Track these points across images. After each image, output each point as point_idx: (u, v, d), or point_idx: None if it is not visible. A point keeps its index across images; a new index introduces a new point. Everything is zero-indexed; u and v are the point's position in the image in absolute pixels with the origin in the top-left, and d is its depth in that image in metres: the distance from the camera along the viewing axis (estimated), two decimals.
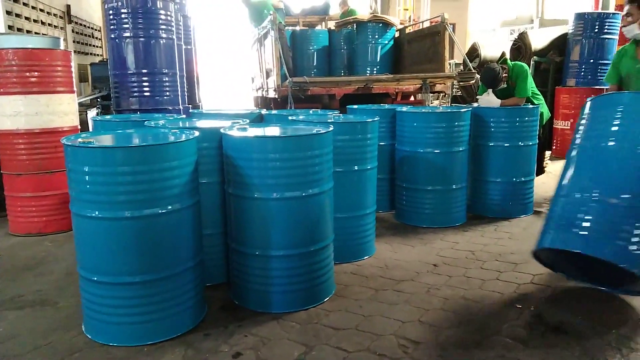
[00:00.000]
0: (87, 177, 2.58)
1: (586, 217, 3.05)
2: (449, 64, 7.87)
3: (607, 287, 3.31)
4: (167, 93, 5.68)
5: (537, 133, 5.25)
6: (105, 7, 5.55)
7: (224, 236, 3.39)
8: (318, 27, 10.47)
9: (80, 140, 2.79)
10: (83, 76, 8.91)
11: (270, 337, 2.81)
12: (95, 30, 10.60)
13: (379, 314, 3.06)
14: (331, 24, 9.80)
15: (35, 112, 4.63)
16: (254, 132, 3.26)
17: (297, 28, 9.58)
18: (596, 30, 8.26)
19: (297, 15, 10.37)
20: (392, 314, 3.06)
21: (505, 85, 5.35)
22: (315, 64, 8.56)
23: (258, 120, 4.45)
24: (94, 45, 10.37)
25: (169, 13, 5.55)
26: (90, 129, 5.68)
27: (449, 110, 5.14)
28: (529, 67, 7.50)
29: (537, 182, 5.53)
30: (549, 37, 9.00)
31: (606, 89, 3.87)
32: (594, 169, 3.23)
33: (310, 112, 5.27)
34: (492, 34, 13.61)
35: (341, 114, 4.86)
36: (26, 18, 7.15)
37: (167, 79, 5.65)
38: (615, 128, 3.19)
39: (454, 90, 9.74)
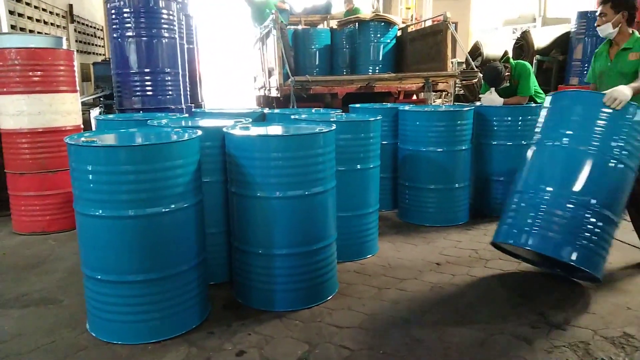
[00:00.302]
0: (90, 176, 2.59)
1: (530, 214, 3.27)
2: (452, 62, 7.84)
3: (567, 274, 3.53)
4: (170, 92, 5.68)
5: None
6: (108, 6, 5.57)
7: (227, 235, 3.39)
8: (320, 26, 10.48)
9: (83, 139, 2.79)
10: (86, 75, 8.93)
11: (274, 335, 2.81)
12: (98, 29, 10.61)
13: (382, 313, 3.07)
14: (333, 23, 9.80)
15: (38, 112, 4.64)
16: (256, 131, 3.26)
17: (299, 27, 9.59)
18: None
19: (299, 14, 10.37)
20: (395, 313, 3.06)
21: (507, 84, 5.33)
22: (317, 63, 8.55)
23: (260, 119, 4.46)
24: (96, 45, 10.39)
25: (171, 12, 5.56)
26: (93, 128, 5.69)
27: (452, 109, 5.14)
28: (532, 65, 7.48)
29: None
30: (552, 35, 8.98)
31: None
32: (541, 166, 3.44)
33: (313, 111, 5.27)
34: (495, 33, 13.57)
35: (343, 113, 4.86)
36: (29, 17, 7.17)
37: (169, 78, 5.66)
38: (558, 126, 3.38)
39: (456, 89, 9.74)
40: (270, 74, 7.59)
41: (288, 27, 8.17)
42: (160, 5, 5.44)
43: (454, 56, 9.06)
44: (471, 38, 15.03)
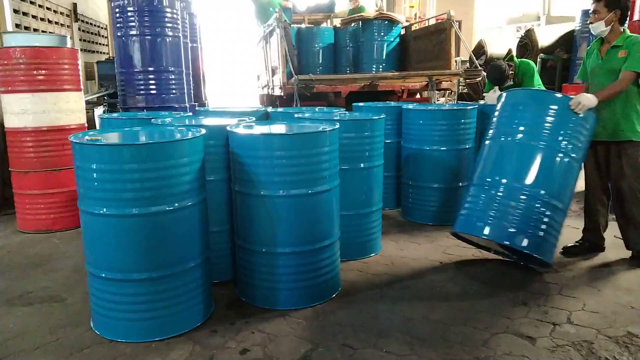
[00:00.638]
0: (94, 174, 2.60)
1: (486, 205, 3.54)
2: (455, 61, 7.83)
3: (522, 261, 3.76)
4: (174, 91, 5.69)
5: None
6: (112, 5, 5.58)
7: (230, 233, 3.40)
8: (323, 25, 10.46)
9: (87, 137, 2.80)
10: (90, 74, 8.94)
11: (277, 333, 2.81)
12: (102, 28, 10.63)
13: (385, 311, 3.07)
14: (337, 22, 9.79)
15: (43, 110, 4.66)
16: (260, 129, 3.26)
17: (303, 25, 9.58)
18: None
19: (302, 13, 10.36)
20: (398, 311, 3.06)
21: (511, 83, 5.33)
22: (320, 61, 8.54)
23: (264, 118, 4.46)
24: (100, 44, 10.40)
25: (175, 11, 5.56)
26: (98, 127, 5.70)
27: (455, 107, 5.12)
28: (536, 64, 7.46)
29: None
30: (556, 34, 8.96)
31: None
32: (495, 159, 3.69)
33: (316, 109, 5.27)
34: (499, 31, 13.54)
35: (347, 112, 4.86)
36: (33, 16, 7.18)
37: (173, 76, 5.67)
38: (510, 123, 3.64)
39: (460, 87, 9.72)
40: (273, 73, 7.58)
41: (291, 25, 8.16)
42: (164, 4, 5.45)
43: (457, 55, 9.02)
44: (475, 36, 14.99)
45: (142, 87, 5.56)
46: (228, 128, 3.17)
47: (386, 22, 8.19)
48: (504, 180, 3.51)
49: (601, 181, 3.84)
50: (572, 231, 4.42)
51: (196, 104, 6.30)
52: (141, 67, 5.49)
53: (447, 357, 2.58)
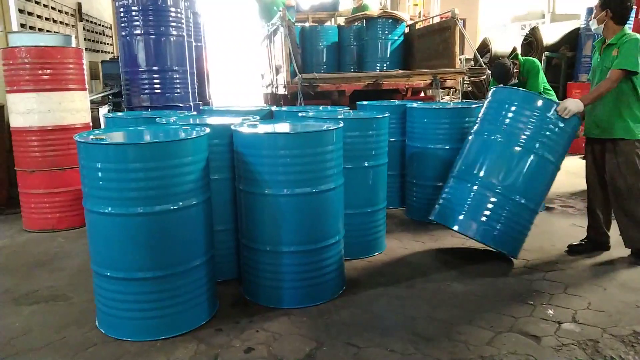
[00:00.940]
0: (99, 173, 2.61)
1: (459, 198, 3.80)
2: (460, 59, 7.80)
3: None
4: (178, 90, 5.70)
5: None
6: (116, 4, 5.59)
7: (235, 232, 3.40)
8: (327, 23, 10.44)
9: (92, 137, 2.81)
10: (94, 73, 8.97)
11: (282, 332, 2.82)
12: (106, 27, 10.65)
13: (389, 310, 3.06)
14: (340, 20, 9.77)
15: (48, 110, 4.67)
16: (264, 128, 3.27)
17: (307, 24, 9.56)
18: None
19: (306, 12, 10.35)
20: (402, 310, 3.06)
21: (516, 81, 5.30)
22: (324, 60, 8.53)
23: (268, 116, 4.46)
24: (105, 43, 10.42)
25: (179, 10, 5.57)
26: (102, 126, 5.72)
27: (460, 106, 5.11)
28: (541, 62, 7.43)
29: None
30: (561, 32, 8.92)
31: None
32: (472, 155, 3.87)
33: (320, 108, 5.27)
34: (503, 29, 13.50)
35: (351, 110, 4.85)
36: (38, 16, 7.20)
37: (177, 76, 5.67)
38: (492, 120, 3.82)
39: (464, 86, 9.69)
40: (277, 72, 7.58)
41: (295, 24, 8.15)
42: (169, 3, 5.46)
43: (462, 53, 9.01)
44: (479, 34, 14.94)
45: (147, 86, 5.56)
46: (232, 127, 3.17)
47: (390, 20, 8.17)
48: (478, 176, 3.73)
49: (600, 179, 3.84)
50: (577, 230, 4.41)
51: (200, 103, 6.31)
52: (145, 66, 5.50)
53: (451, 356, 2.57)
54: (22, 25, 6.64)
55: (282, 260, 3.09)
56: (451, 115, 4.79)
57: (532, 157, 3.62)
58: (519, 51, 7.95)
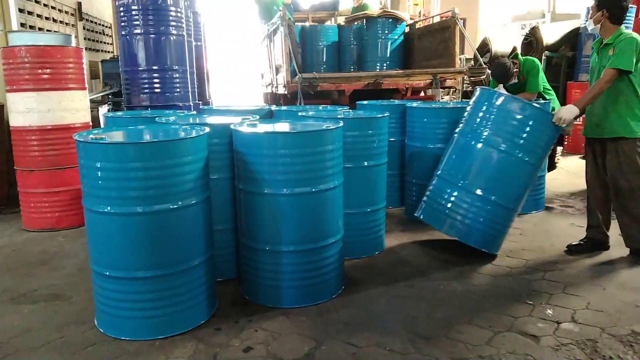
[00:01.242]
0: (99, 173, 2.61)
1: (441, 197, 3.95)
2: (460, 59, 7.79)
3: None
4: (178, 89, 5.70)
5: None
6: (116, 4, 5.59)
7: (234, 232, 3.40)
8: (327, 23, 10.45)
9: (92, 136, 2.81)
10: (94, 73, 8.97)
11: (281, 331, 2.82)
12: (106, 27, 10.65)
13: (388, 309, 3.07)
14: (340, 20, 9.77)
15: (48, 109, 4.67)
16: (263, 128, 3.27)
17: (307, 24, 9.56)
18: None
19: (306, 11, 10.35)
20: (402, 310, 3.06)
21: (516, 81, 5.31)
22: (324, 59, 8.53)
23: (268, 116, 4.46)
24: (104, 42, 10.42)
25: (179, 10, 5.57)
26: (102, 126, 5.72)
27: (460, 105, 5.11)
28: (541, 62, 7.42)
29: (548, 178, 5.51)
30: (561, 31, 8.90)
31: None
32: (454, 156, 4.00)
33: (320, 108, 5.27)
34: (503, 29, 13.48)
35: (351, 110, 4.85)
36: (38, 16, 7.20)
37: (177, 75, 5.67)
38: (470, 124, 3.94)
39: (464, 85, 9.68)
40: (277, 71, 7.59)
41: (295, 23, 8.15)
42: (168, 3, 5.46)
43: (462, 52, 9.00)
44: (479, 34, 14.93)
45: (147, 85, 5.57)
46: (232, 126, 3.17)
47: (390, 20, 8.18)
48: (459, 177, 3.87)
49: (600, 179, 3.84)
50: (576, 229, 4.42)
51: (200, 102, 6.31)
52: (145, 65, 5.50)
53: (450, 355, 2.58)
54: (22, 25, 6.64)
55: (282, 260, 3.09)
56: (451, 115, 4.78)
57: (508, 158, 3.72)
58: (519, 51, 7.94)
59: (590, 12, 3.74)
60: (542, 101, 5.17)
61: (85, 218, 2.79)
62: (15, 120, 4.75)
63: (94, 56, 9.34)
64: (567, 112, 3.59)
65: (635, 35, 3.56)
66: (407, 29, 8.49)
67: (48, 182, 4.78)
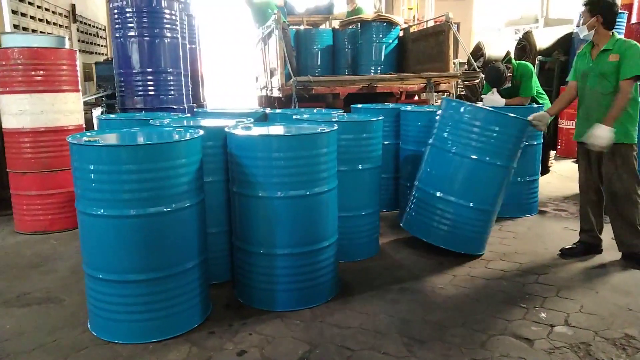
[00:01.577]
0: (92, 175, 2.59)
1: (420, 207, 4.11)
2: (454, 63, 7.83)
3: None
4: (172, 92, 5.69)
5: (542, 132, 5.23)
6: (110, 6, 5.57)
7: (228, 235, 3.39)
8: (322, 27, 10.47)
9: (85, 138, 2.80)
10: (88, 75, 8.94)
11: (275, 335, 2.81)
12: (100, 29, 10.63)
13: (383, 313, 3.06)
14: (335, 24, 9.80)
15: (41, 111, 4.65)
16: (258, 131, 3.26)
17: (301, 27, 9.58)
18: None
19: (301, 15, 10.37)
20: (396, 313, 3.06)
21: (509, 85, 5.33)
22: (319, 63, 8.54)
23: (262, 119, 4.46)
24: (98, 45, 10.40)
25: (173, 12, 5.56)
26: (96, 128, 5.69)
27: None
28: (534, 66, 7.46)
29: (541, 182, 5.53)
30: (554, 36, 8.95)
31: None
32: (429, 166, 4.13)
33: (315, 111, 5.27)
34: (497, 33, 13.56)
35: (345, 113, 4.86)
36: (31, 17, 7.18)
37: (171, 78, 5.66)
38: (443, 133, 4.02)
39: (458, 89, 9.72)
40: (272, 74, 7.59)
41: (290, 27, 8.16)
42: (163, 5, 5.45)
43: (456, 57, 9.03)
44: (473, 38, 15.02)
45: (141, 88, 5.55)
46: (226, 129, 3.17)
47: (384, 24, 8.20)
48: (434, 187, 4.00)
49: (593, 183, 3.86)
50: (569, 233, 4.44)
51: (194, 105, 6.29)
52: (139, 68, 5.48)
53: (444, 358, 2.58)
54: (16, 26, 6.62)
55: (276, 263, 3.08)
56: None
57: (479, 164, 3.83)
58: (512, 55, 7.97)
59: (582, 18, 3.73)
60: (536, 105, 5.20)
61: (79, 221, 2.77)
62: (8, 122, 4.72)
63: (87, 58, 9.32)
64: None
65: (632, 41, 3.60)
66: (401, 33, 8.52)
67: (41, 185, 4.75)
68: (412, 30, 8.77)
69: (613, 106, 3.56)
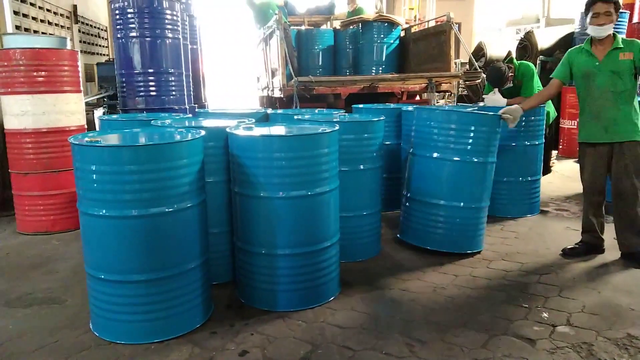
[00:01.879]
0: (94, 176, 2.60)
1: (413, 215, 4.18)
2: (455, 63, 7.84)
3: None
4: (173, 92, 5.69)
5: (544, 132, 5.23)
6: (112, 7, 5.57)
7: (230, 235, 3.40)
8: (323, 27, 10.47)
9: (87, 139, 2.81)
10: (90, 76, 8.94)
11: (277, 335, 2.81)
12: (102, 30, 10.63)
13: (385, 313, 3.06)
14: (336, 24, 9.80)
15: (43, 112, 4.66)
16: (259, 131, 3.27)
17: (303, 27, 9.58)
18: None
19: (302, 15, 10.37)
20: (398, 313, 3.06)
21: (511, 85, 5.33)
22: (320, 63, 8.54)
23: (264, 119, 4.46)
24: (100, 45, 10.40)
25: (175, 13, 5.56)
26: (97, 129, 5.70)
27: (455, 109, 5.11)
28: (535, 66, 7.47)
29: (543, 182, 5.53)
30: (556, 36, 8.96)
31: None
32: (410, 173, 4.20)
33: (316, 111, 5.27)
34: (498, 33, 13.55)
35: (347, 114, 4.86)
36: (33, 18, 7.18)
37: (173, 78, 5.66)
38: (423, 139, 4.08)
39: (459, 89, 9.71)
40: (273, 75, 7.59)
41: (291, 27, 8.16)
42: (164, 6, 5.44)
43: (457, 57, 9.04)
44: (475, 38, 15.00)
45: (142, 88, 5.55)
46: (227, 130, 3.17)
47: (386, 24, 8.20)
48: (422, 194, 4.07)
49: (597, 183, 3.84)
50: (571, 233, 4.43)
51: (196, 105, 6.30)
52: (141, 68, 5.48)
53: (446, 359, 2.58)
54: (17, 27, 6.62)
55: (278, 263, 3.08)
56: None
57: (462, 165, 3.89)
58: (513, 55, 7.97)
59: (610, 15, 3.58)
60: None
61: (80, 221, 2.78)
62: (10, 123, 4.73)
63: (89, 59, 9.32)
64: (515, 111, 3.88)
65: (634, 39, 3.64)
66: (402, 33, 8.52)
67: (43, 185, 4.76)
68: (413, 30, 8.77)
69: None
